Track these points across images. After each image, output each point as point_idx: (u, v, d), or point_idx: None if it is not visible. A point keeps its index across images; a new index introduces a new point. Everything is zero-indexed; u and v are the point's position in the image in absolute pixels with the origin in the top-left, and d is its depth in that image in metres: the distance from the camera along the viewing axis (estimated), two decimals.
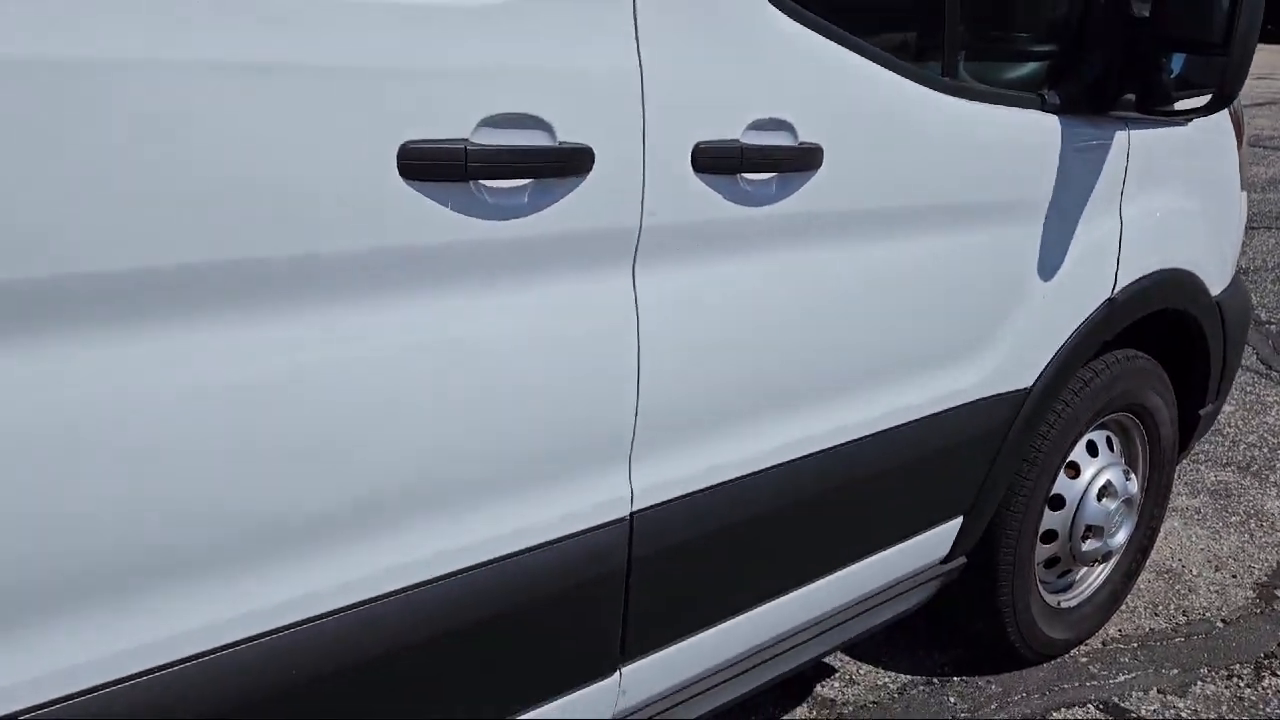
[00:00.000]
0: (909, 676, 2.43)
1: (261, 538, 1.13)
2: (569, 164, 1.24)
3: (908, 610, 2.07)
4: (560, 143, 1.23)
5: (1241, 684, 2.40)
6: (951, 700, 2.35)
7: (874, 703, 2.34)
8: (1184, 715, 2.30)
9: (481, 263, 1.22)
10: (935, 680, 2.42)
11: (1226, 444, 3.64)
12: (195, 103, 0.99)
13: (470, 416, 1.26)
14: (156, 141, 0.97)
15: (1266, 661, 2.48)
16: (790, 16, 1.45)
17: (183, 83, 0.98)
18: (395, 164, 1.11)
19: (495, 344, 1.26)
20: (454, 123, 1.14)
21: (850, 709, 2.32)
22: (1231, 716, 2.29)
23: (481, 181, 1.18)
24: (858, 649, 2.51)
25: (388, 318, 1.17)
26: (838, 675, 2.43)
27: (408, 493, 1.23)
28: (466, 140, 1.15)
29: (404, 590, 1.25)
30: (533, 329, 1.29)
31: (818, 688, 2.39)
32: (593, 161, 1.26)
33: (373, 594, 1.23)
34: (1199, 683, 2.41)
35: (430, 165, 1.13)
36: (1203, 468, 3.47)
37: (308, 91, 1.05)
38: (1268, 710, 2.31)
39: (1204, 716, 2.29)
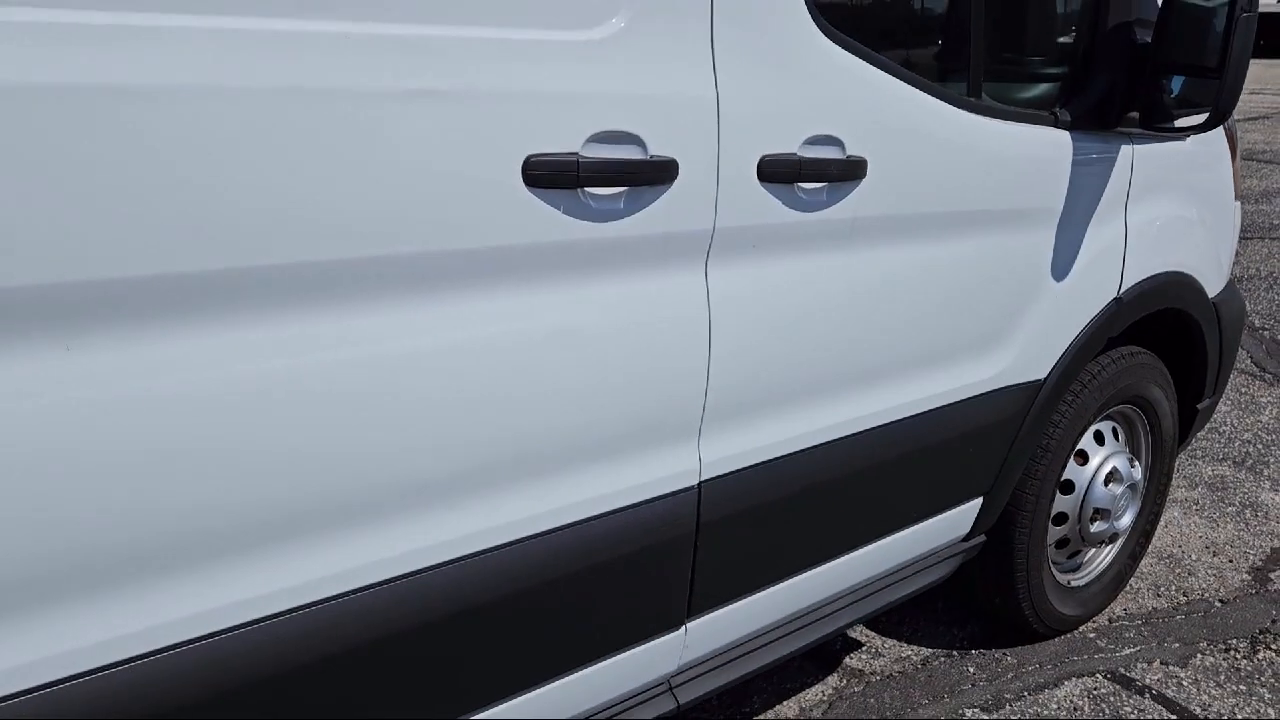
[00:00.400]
0: (930, 650, 2.62)
1: (410, 491, 1.32)
2: (658, 174, 1.44)
3: (933, 583, 2.26)
4: (651, 156, 1.42)
5: (1239, 656, 2.60)
6: (971, 670, 2.54)
7: (899, 673, 2.53)
8: (1185, 684, 2.49)
9: (583, 259, 1.42)
10: (955, 653, 2.61)
11: (1222, 440, 3.84)
12: (370, 120, 1.18)
13: (568, 394, 1.45)
14: (348, 151, 1.17)
15: (1261, 637, 2.68)
16: (840, 45, 1.65)
17: (367, 106, 1.18)
18: (520, 174, 1.31)
19: (591, 331, 1.46)
20: (567, 139, 1.34)
21: (877, 679, 2.51)
22: (1229, 685, 2.48)
23: (587, 189, 1.38)
24: (882, 625, 2.70)
25: (506, 306, 1.36)
26: (864, 648, 2.62)
27: (517, 460, 1.42)
28: (577, 154, 1.35)
29: (504, 546, 1.44)
30: (622, 318, 1.49)
31: (846, 659, 2.58)
32: (677, 172, 1.46)
33: (488, 545, 1.42)
34: (1199, 655, 2.60)
35: (548, 175, 1.33)
36: (1200, 462, 3.67)
37: (456, 111, 1.24)
38: (1263, 680, 2.50)
39: (1204, 685, 2.48)
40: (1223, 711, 2.39)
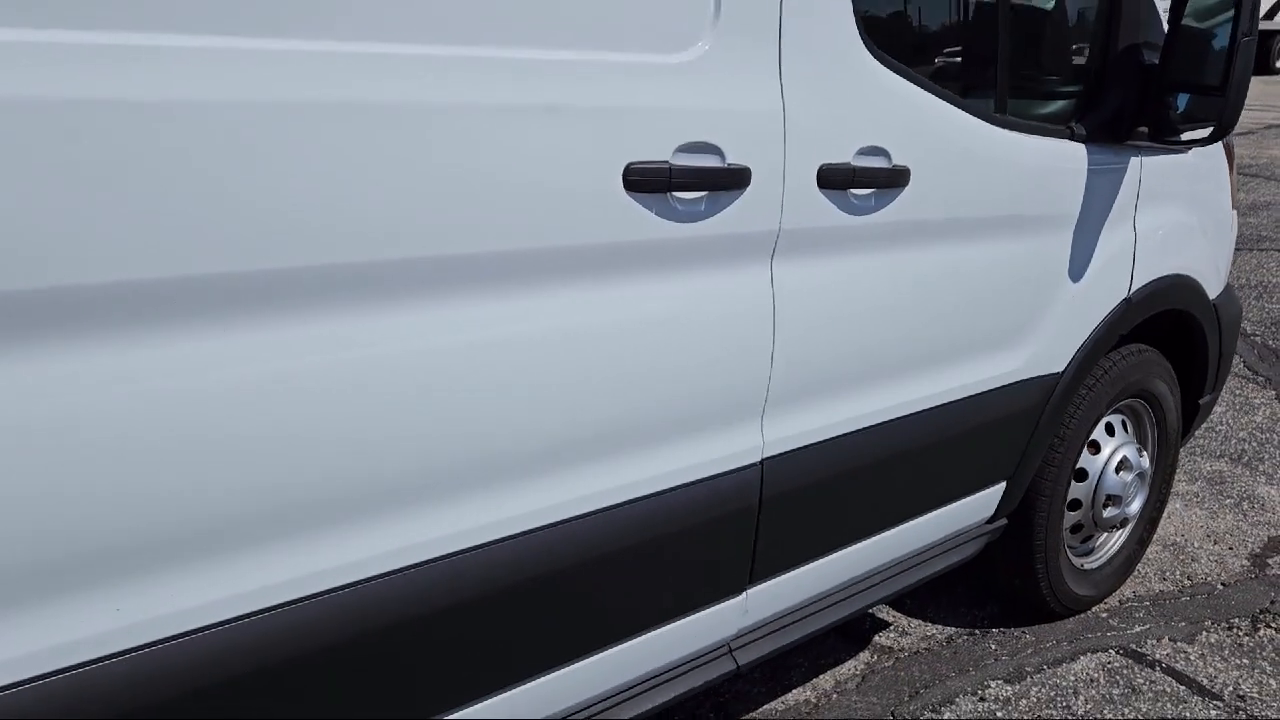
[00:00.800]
0: (954, 628, 2.80)
1: (543, 456, 1.50)
2: (733, 180, 1.62)
3: (961, 561, 2.44)
4: (728, 164, 1.61)
5: (1241, 634, 2.78)
6: (992, 646, 2.72)
7: (925, 649, 2.71)
8: (1193, 658, 2.67)
9: (669, 255, 1.59)
10: (977, 631, 2.79)
11: (1219, 439, 4.04)
12: (495, 132, 1.36)
13: (654, 376, 1.63)
14: (479, 158, 1.35)
15: (1261, 616, 2.86)
16: (886, 66, 1.84)
17: (500, 121, 1.36)
18: (621, 179, 1.49)
19: (675, 320, 1.63)
20: (660, 148, 1.52)
21: (905, 654, 2.68)
22: (1233, 660, 2.66)
23: (674, 193, 1.56)
24: (907, 606, 2.88)
25: (605, 296, 1.54)
26: (892, 628, 2.80)
27: (599, 438, 1.59)
28: (668, 162, 1.53)
29: (588, 515, 1.60)
30: (700, 308, 1.66)
31: (876, 638, 2.75)
32: (750, 179, 1.64)
33: (574, 514, 1.59)
34: (1204, 633, 2.79)
35: (644, 180, 1.51)
36: (1199, 459, 3.87)
37: (569, 125, 1.42)
38: (1264, 654, 2.69)
39: (1209, 659, 2.66)
40: (1228, 683, 2.57)
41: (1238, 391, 4.52)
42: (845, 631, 2.75)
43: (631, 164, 1.49)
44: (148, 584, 1.21)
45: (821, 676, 2.59)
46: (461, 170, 1.34)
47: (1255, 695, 2.52)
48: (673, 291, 1.62)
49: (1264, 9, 21.03)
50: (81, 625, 1.17)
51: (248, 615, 1.29)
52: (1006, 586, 2.78)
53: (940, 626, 2.81)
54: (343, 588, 1.37)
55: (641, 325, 1.59)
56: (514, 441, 1.48)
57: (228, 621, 1.27)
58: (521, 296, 1.45)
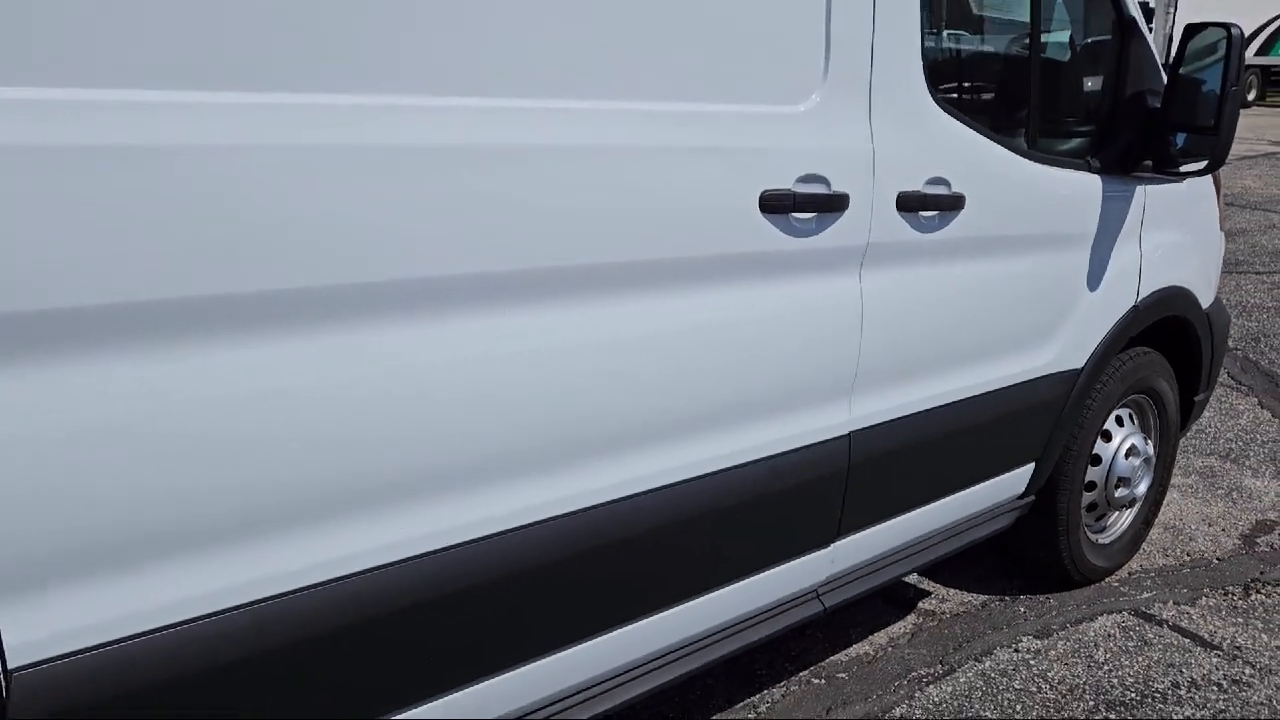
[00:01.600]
0: (987, 596, 3.20)
1: (671, 426, 1.90)
2: (837, 204, 2.04)
3: (999, 530, 2.85)
4: (833, 191, 2.03)
5: (1235, 598, 3.20)
6: (1022, 610, 3.13)
7: (964, 612, 3.11)
8: (1195, 618, 3.09)
9: (789, 264, 2.01)
10: (1007, 598, 3.19)
11: (1209, 439, 4.48)
12: (671, 166, 1.78)
13: (771, 361, 2.04)
14: (655, 187, 1.76)
15: (1252, 584, 3.28)
16: (947, 113, 2.27)
17: (672, 158, 1.77)
18: (757, 203, 1.90)
19: (786, 314, 2.04)
20: (785, 178, 1.94)
21: (947, 616, 3.09)
22: (1230, 619, 3.08)
23: (794, 214, 1.98)
24: (945, 578, 3.28)
25: (739, 296, 1.95)
26: (933, 596, 3.20)
27: (726, 409, 1.98)
28: (791, 190, 1.95)
29: (712, 474, 1.99)
30: (809, 306, 2.08)
31: (920, 604, 3.16)
32: (848, 203, 2.06)
33: (701, 473, 1.97)
34: (1203, 598, 3.20)
35: (774, 203, 1.92)
36: (1192, 456, 4.30)
37: (721, 161, 1.84)
38: (1256, 614, 3.10)
39: (1209, 618, 3.08)
40: (1225, 637, 2.98)
41: (1224, 399, 4.97)
42: (893, 599, 3.16)
43: (765, 191, 1.91)
44: (332, 528, 1.50)
45: (876, 634, 2.99)
46: (646, 195, 1.76)
47: (1249, 646, 2.93)
48: (788, 292, 2.03)
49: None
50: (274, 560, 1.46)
51: (446, 548, 1.64)
52: (1033, 558, 3.19)
53: (975, 594, 3.21)
54: (548, 520, 1.76)
55: (763, 318, 2.00)
56: (670, 406, 1.88)
57: (435, 552, 1.62)
58: (682, 294, 1.86)
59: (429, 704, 1.69)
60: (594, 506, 1.82)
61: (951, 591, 3.23)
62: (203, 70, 1.30)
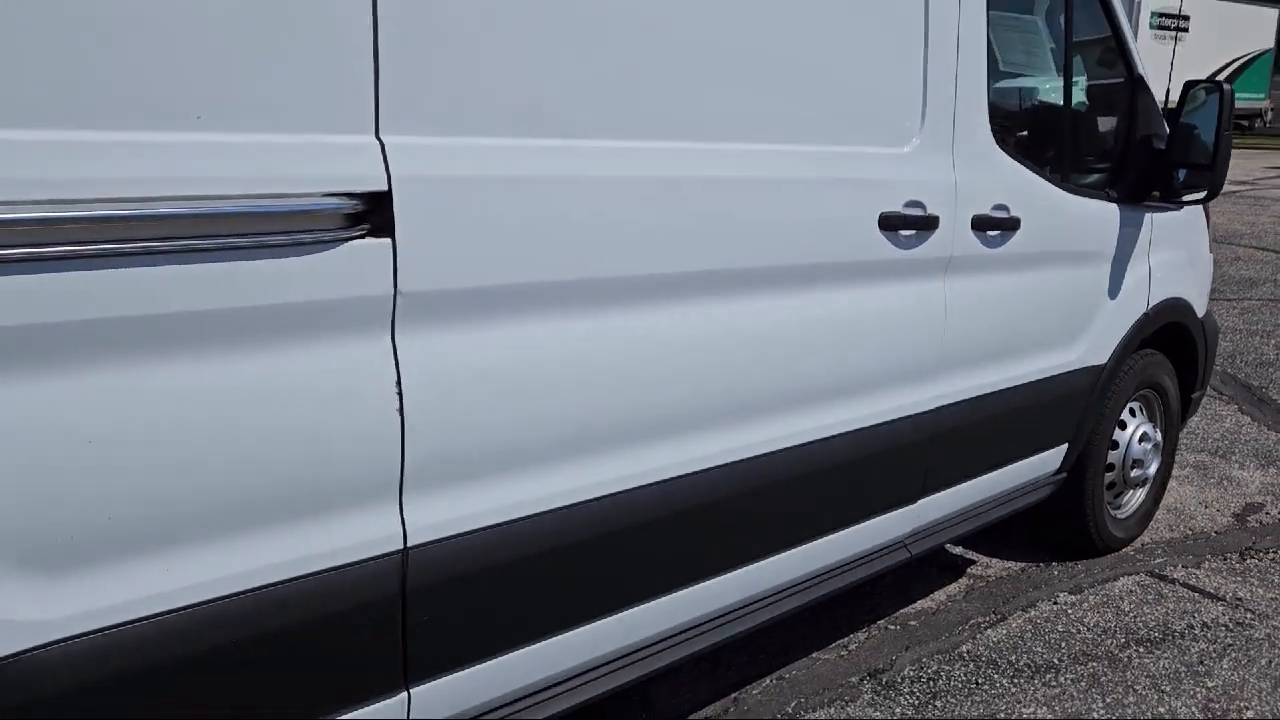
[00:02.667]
0: (1024, 563, 3.75)
1: (822, 394, 2.44)
2: (930, 224, 2.60)
3: (1038, 500, 3.39)
4: (928, 213, 2.59)
5: (1234, 561, 3.76)
6: (1055, 573, 3.67)
7: (1006, 575, 3.65)
8: (1200, 577, 3.64)
9: (893, 271, 2.56)
10: (1041, 564, 3.74)
11: (1199, 439, 5.08)
12: (818, 192, 2.33)
13: (880, 350, 2.58)
14: (804, 209, 2.31)
15: (1247, 551, 3.85)
16: (1005, 152, 2.85)
17: (818, 186, 2.33)
18: (876, 222, 2.46)
19: (894, 312, 2.59)
20: (895, 203, 2.50)
21: (992, 578, 3.62)
22: (1230, 578, 3.63)
23: (901, 231, 2.53)
24: (985, 547, 3.82)
25: (858, 296, 2.49)
26: (978, 564, 3.74)
27: (845, 385, 2.52)
28: (901, 212, 2.51)
29: (831, 438, 2.52)
30: (906, 304, 2.63)
31: (969, 570, 3.69)
32: (938, 224, 2.62)
33: (824, 435, 2.51)
34: (1206, 562, 3.77)
35: (888, 222, 2.48)
36: (1186, 453, 4.89)
37: (852, 190, 2.40)
38: (1251, 574, 3.67)
39: (1213, 578, 3.63)
40: (1228, 591, 3.54)
41: (1209, 406, 5.58)
42: (947, 566, 3.69)
43: (883, 212, 2.47)
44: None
45: (935, 593, 3.52)
46: (804, 213, 2.31)
47: (1248, 598, 3.49)
48: (893, 293, 2.59)
49: None
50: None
51: (633, 489, 2.13)
52: (1063, 529, 3.73)
53: (1013, 562, 3.76)
54: (730, 465, 2.28)
55: (874, 313, 2.55)
56: (805, 379, 2.42)
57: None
58: (821, 292, 2.40)
59: (647, 604, 2.20)
60: (758, 456, 2.35)
61: (994, 560, 3.77)
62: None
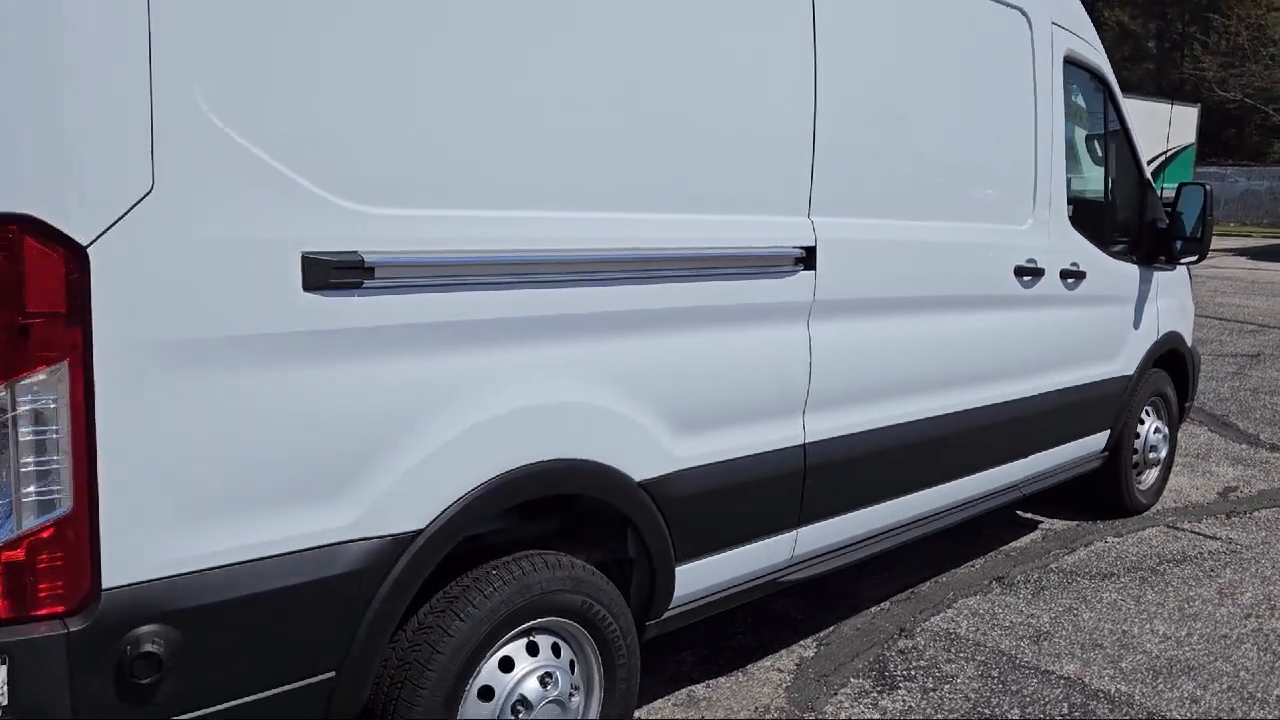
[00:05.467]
0: (1073, 522, 5.22)
1: (977, 379, 3.95)
2: (1039, 274, 4.11)
3: (1092, 469, 4.88)
4: (1038, 266, 4.11)
5: (1223, 519, 5.28)
6: (1100, 527, 5.15)
7: (1055, 533, 5.11)
8: (1202, 528, 5.14)
9: (1017, 303, 4.06)
10: (1084, 523, 5.22)
11: (1183, 449, 6.63)
12: (973, 252, 3.85)
13: (1005, 352, 4.08)
14: (962, 264, 3.84)
15: (1232, 513, 5.37)
16: (1074, 227, 4.40)
17: (971, 248, 3.85)
18: (1012, 272, 3.97)
19: (1015, 330, 4.09)
20: (1020, 259, 4.02)
21: (1056, 531, 5.08)
22: (1223, 528, 5.13)
23: (1024, 277, 4.05)
24: (1048, 512, 5.29)
25: (996, 316, 4.00)
26: (1045, 523, 5.21)
27: (992, 375, 4.02)
28: (1024, 265, 4.02)
29: (982, 408, 4.03)
30: (1028, 326, 4.13)
31: (1039, 525, 5.15)
32: (1044, 273, 4.14)
33: (971, 406, 4.01)
34: (1203, 520, 5.27)
35: (1018, 271, 3.99)
36: (1177, 456, 6.42)
37: (997, 251, 3.92)
38: (1235, 526, 5.17)
39: (1212, 528, 5.13)
40: (1221, 534, 5.04)
41: (1186, 429, 7.15)
42: (1022, 524, 5.15)
43: (1016, 264, 3.98)
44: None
45: (1020, 539, 4.97)
46: (974, 265, 3.81)
47: (1237, 538, 5.00)
48: (1018, 316, 4.09)
49: None
50: None
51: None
52: (1105, 495, 5.21)
53: (1070, 521, 5.23)
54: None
55: (1009, 329, 4.05)
56: (976, 367, 3.91)
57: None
58: (983, 313, 3.89)
59: (911, 495, 3.66)
60: (960, 411, 3.81)
61: (1055, 520, 5.24)
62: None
